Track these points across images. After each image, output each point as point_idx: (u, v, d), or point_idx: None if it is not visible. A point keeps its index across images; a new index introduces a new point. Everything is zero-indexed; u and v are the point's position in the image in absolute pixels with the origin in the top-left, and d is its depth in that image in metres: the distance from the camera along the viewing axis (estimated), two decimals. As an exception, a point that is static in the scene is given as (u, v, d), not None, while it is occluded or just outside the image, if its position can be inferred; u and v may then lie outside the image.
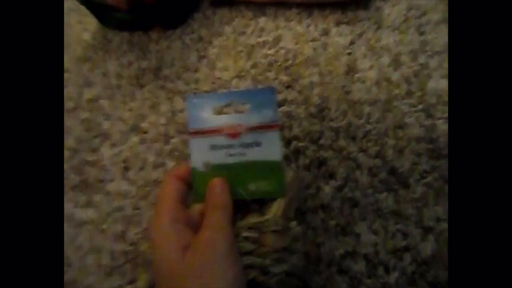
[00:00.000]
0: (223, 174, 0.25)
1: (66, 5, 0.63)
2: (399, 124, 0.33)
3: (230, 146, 0.25)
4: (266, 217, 0.24)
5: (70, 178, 0.38)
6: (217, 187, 0.25)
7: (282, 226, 0.24)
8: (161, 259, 0.22)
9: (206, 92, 0.41)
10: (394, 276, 0.26)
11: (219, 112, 0.27)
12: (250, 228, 0.24)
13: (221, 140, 0.25)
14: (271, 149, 0.25)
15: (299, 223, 0.25)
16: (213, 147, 0.26)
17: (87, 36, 0.55)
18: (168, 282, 0.21)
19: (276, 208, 0.24)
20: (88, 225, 0.35)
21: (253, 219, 0.24)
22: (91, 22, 0.56)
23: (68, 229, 0.35)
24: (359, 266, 0.27)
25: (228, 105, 0.31)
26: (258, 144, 0.25)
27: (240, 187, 0.25)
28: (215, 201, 0.24)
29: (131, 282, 0.30)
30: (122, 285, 0.30)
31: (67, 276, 0.32)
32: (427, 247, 0.27)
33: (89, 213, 0.35)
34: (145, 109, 0.42)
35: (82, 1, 0.51)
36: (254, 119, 0.25)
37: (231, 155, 0.25)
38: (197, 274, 0.21)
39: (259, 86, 0.40)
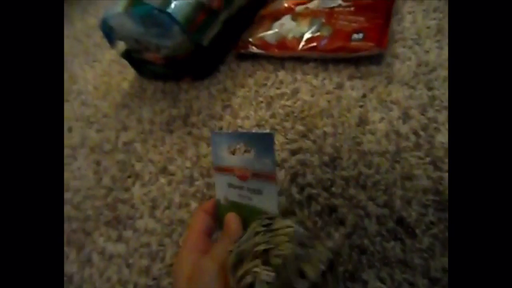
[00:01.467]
0: (236, 211, 0.28)
1: (108, 56, 0.71)
2: (407, 175, 0.35)
3: (240, 188, 0.28)
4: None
5: (104, 214, 0.42)
6: (231, 221, 0.28)
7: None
8: (174, 282, 0.26)
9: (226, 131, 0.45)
10: (400, 325, 0.27)
11: (233, 152, 0.31)
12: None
13: (234, 180, 0.29)
14: (269, 201, 0.27)
15: None
16: (230, 185, 0.29)
17: (126, 85, 0.62)
18: None
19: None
20: (117, 258, 0.38)
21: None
22: (130, 72, 0.63)
23: (99, 262, 0.38)
24: (366, 314, 0.28)
25: (239, 146, 0.35)
26: (259, 192, 0.27)
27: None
28: (228, 234, 0.27)
29: (153, 316, 0.33)
30: (144, 319, 0.33)
31: (95, 307, 0.35)
32: (433, 298, 0.28)
33: (119, 248, 0.39)
34: (173, 153, 0.46)
35: (123, 55, 0.59)
36: (257, 165, 0.27)
37: (241, 196, 0.28)
38: None
39: (261, 131, 0.43)
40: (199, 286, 0.24)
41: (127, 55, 0.59)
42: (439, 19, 0.50)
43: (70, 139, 0.56)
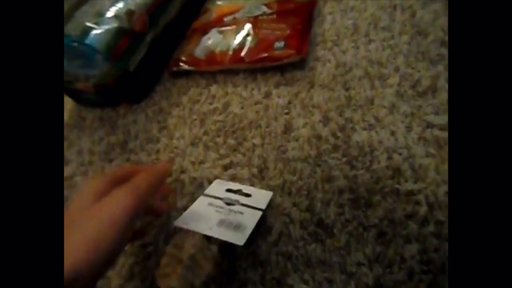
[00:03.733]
0: None
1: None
2: (327, 178, 0.38)
3: (221, 207, 0.35)
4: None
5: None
6: (164, 164, 0.30)
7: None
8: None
9: (167, 162, 0.46)
10: (321, 322, 0.30)
11: (228, 191, 0.39)
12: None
13: (218, 203, 0.36)
14: (249, 219, 0.34)
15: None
16: (211, 205, 0.36)
17: (65, 115, 0.61)
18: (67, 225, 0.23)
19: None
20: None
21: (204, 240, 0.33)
22: (68, 101, 0.62)
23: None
24: (292, 316, 0.30)
25: (237, 191, 0.39)
26: (241, 213, 0.35)
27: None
28: (153, 168, 0.29)
29: None
30: None
31: None
32: (349, 293, 0.30)
33: None
34: (113, 182, 0.47)
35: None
36: (249, 202, 0.36)
37: (218, 212, 0.35)
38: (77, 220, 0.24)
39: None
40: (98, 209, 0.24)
41: (61, 85, 0.58)
42: (355, 19, 0.53)
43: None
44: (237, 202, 0.36)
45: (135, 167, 0.31)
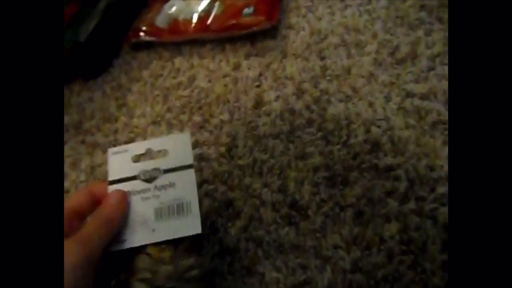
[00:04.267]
0: None
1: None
2: (301, 155, 0.34)
3: (146, 190, 0.27)
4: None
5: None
6: (114, 199, 0.25)
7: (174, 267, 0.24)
8: None
9: (126, 143, 0.42)
10: (295, 312, 0.27)
11: (136, 160, 0.29)
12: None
13: (137, 184, 0.27)
14: (186, 188, 0.26)
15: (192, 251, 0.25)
16: (131, 193, 0.27)
17: (12, 94, 0.55)
18: None
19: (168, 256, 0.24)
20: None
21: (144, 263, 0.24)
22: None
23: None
24: (262, 307, 0.28)
25: (146, 153, 0.32)
26: (172, 185, 0.27)
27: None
28: (102, 212, 0.24)
29: None
30: None
31: None
32: (324, 278, 0.28)
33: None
34: (66, 168, 0.42)
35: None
36: (171, 163, 0.27)
37: (144, 199, 0.26)
38: None
39: (175, 133, 0.40)
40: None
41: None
42: (330, -18, 0.48)
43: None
44: (157, 172, 0.27)
45: (83, 195, 0.26)
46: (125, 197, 0.26)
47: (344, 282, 0.27)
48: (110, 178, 0.28)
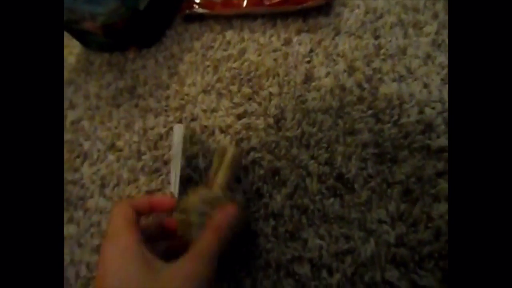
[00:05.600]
0: None
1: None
2: (349, 131, 0.34)
3: None
4: (216, 192, 0.28)
5: (53, 197, 0.41)
6: (232, 216, 0.26)
7: (229, 200, 0.28)
8: (118, 271, 0.22)
9: (177, 109, 0.44)
10: (336, 278, 0.28)
11: None
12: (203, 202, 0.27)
13: None
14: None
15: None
16: None
17: (72, 59, 0.58)
18: None
19: (220, 181, 0.29)
20: (68, 240, 0.38)
21: (204, 193, 0.28)
22: (76, 45, 0.59)
23: (52, 245, 0.38)
24: (304, 270, 0.29)
25: None
26: None
27: None
28: (221, 229, 0.25)
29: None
30: (96, 295, 0.33)
31: (50, 289, 0.35)
32: (367, 249, 0.28)
33: (70, 229, 0.39)
34: (120, 128, 0.45)
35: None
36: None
37: None
38: None
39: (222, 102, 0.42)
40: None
41: (68, 26, 0.54)
42: (389, -40, 0.47)
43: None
44: None
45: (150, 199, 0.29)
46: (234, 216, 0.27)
47: (388, 254, 0.28)
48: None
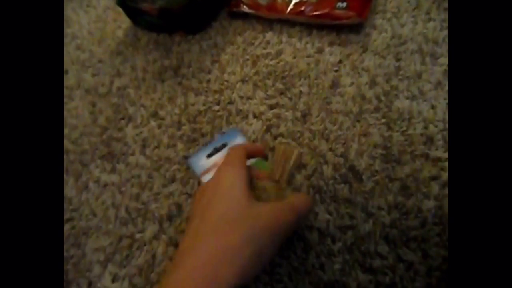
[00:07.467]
0: None
1: (103, 3, 0.73)
2: (364, 133, 0.41)
3: None
4: (281, 184, 0.34)
5: (99, 149, 0.48)
6: (310, 204, 0.31)
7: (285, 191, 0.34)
8: (230, 191, 0.27)
9: (215, 92, 0.50)
10: (337, 245, 0.34)
11: (210, 156, 0.43)
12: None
13: None
14: None
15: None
16: None
17: (120, 33, 0.64)
18: (234, 218, 0.25)
19: (286, 177, 0.35)
20: (111, 186, 0.44)
21: (269, 184, 0.33)
22: (125, 21, 0.65)
23: (95, 189, 0.44)
24: (313, 236, 0.35)
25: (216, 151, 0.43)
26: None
27: None
28: (301, 209, 0.29)
29: (141, 231, 0.39)
30: (134, 233, 0.39)
31: (92, 223, 0.41)
32: (366, 227, 0.35)
33: (112, 178, 0.45)
34: (164, 100, 0.51)
35: (119, 3, 0.60)
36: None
37: None
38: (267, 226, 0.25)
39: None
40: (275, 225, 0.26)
41: (123, 3, 0.60)
42: (419, -5, 0.54)
43: (66, 81, 0.59)
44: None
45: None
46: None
47: (382, 233, 0.34)
48: (199, 173, 0.42)
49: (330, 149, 0.41)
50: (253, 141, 0.44)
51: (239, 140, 0.43)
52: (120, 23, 0.66)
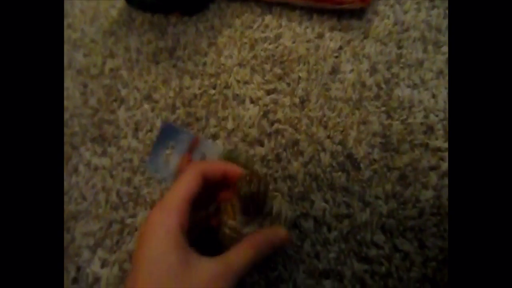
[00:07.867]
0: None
1: (98, -20, 0.69)
2: (363, 121, 0.40)
3: None
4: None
5: (90, 131, 0.46)
6: (282, 241, 0.27)
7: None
8: (159, 256, 0.22)
9: (212, 75, 0.49)
10: (333, 234, 0.34)
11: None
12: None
13: None
14: None
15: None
16: None
17: (114, 12, 0.62)
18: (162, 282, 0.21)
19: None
20: (101, 170, 0.43)
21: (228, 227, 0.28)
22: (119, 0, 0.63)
23: (85, 172, 0.43)
24: (308, 224, 0.35)
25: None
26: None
27: None
28: (261, 244, 0.25)
29: (132, 216, 0.38)
30: (125, 218, 0.38)
31: (81, 207, 0.40)
32: (363, 216, 0.34)
33: (103, 161, 0.43)
34: (158, 83, 0.49)
35: (113, -19, 0.58)
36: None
37: None
38: None
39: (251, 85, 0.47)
40: None
41: (116, -20, 0.58)
42: (423, -18, 0.52)
43: (56, 60, 0.57)
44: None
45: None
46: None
47: (379, 222, 0.34)
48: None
49: (328, 137, 0.40)
50: (249, 128, 0.42)
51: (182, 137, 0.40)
52: (113, 2, 0.64)
